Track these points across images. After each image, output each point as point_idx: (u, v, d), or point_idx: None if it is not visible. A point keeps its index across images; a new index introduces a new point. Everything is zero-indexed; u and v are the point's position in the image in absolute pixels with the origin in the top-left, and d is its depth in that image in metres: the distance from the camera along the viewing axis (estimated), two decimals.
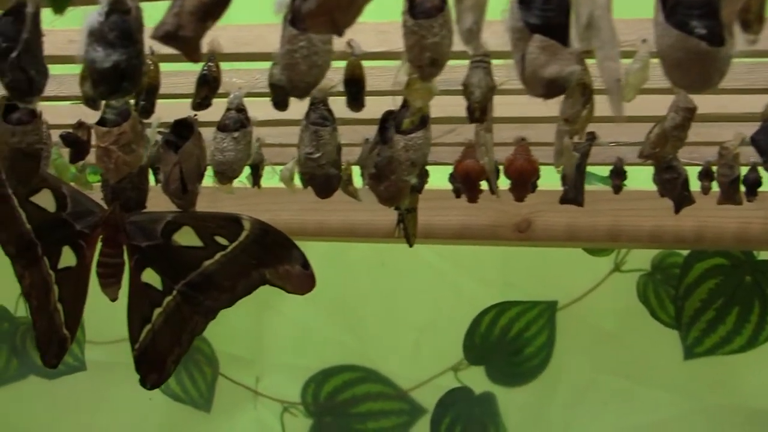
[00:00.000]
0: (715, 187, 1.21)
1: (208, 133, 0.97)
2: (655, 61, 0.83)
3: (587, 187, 1.20)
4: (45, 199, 1.06)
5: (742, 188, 1.20)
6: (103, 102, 0.85)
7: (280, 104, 0.91)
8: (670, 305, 1.88)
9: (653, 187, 1.19)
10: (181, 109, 0.96)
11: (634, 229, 1.51)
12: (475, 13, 0.57)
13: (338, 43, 0.69)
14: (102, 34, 0.64)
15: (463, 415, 1.95)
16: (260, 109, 0.98)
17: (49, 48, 0.70)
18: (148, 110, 0.91)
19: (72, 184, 1.14)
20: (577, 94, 0.75)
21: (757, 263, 1.84)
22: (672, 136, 0.96)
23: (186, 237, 1.04)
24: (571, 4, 0.58)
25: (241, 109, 0.95)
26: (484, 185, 1.17)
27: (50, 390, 2.12)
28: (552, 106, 0.71)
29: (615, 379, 1.89)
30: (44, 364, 1.11)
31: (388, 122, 0.92)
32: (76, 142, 1.03)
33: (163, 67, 0.92)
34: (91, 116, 0.90)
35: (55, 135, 1.09)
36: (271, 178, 1.30)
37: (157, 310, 1.06)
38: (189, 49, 0.55)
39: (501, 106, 0.88)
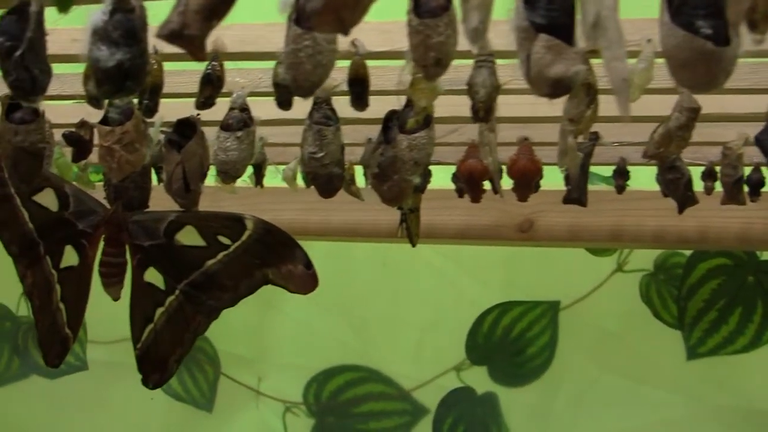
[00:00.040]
0: (718, 187, 1.21)
1: (211, 133, 0.97)
2: (659, 61, 0.83)
3: (590, 187, 1.20)
4: (47, 199, 1.06)
5: (746, 188, 1.20)
6: (106, 101, 0.85)
7: (284, 103, 0.91)
8: (672, 305, 1.87)
9: (656, 187, 1.19)
10: (185, 108, 0.96)
11: (636, 230, 1.51)
12: (482, 12, 0.57)
13: (342, 43, 0.68)
14: (106, 32, 0.63)
15: (466, 415, 1.95)
16: (262, 108, 0.98)
17: (52, 47, 0.70)
18: (151, 109, 0.91)
19: (74, 183, 1.14)
20: (581, 94, 0.75)
21: (759, 263, 1.84)
22: (676, 136, 0.96)
23: (189, 236, 1.04)
24: (576, 4, 0.58)
25: (244, 109, 0.95)
26: (486, 185, 1.17)
27: (52, 389, 2.12)
28: (555, 106, 0.71)
29: (617, 379, 1.89)
30: (46, 364, 1.11)
31: (391, 122, 0.92)
32: (78, 141, 1.03)
33: (167, 66, 0.92)
34: (94, 115, 0.90)
35: (57, 134, 1.08)
36: (273, 178, 1.30)
37: (160, 310, 1.06)
38: (194, 48, 0.55)
39: (503, 105, 0.88)
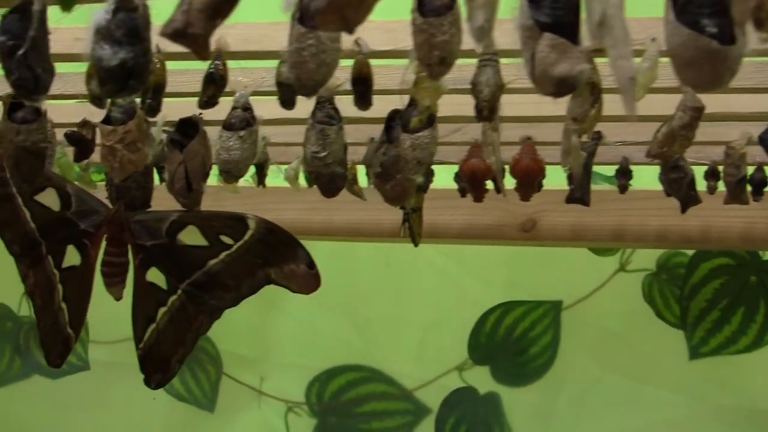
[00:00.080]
0: (721, 186, 1.21)
1: (214, 132, 0.96)
2: (664, 60, 0.83)
3: (593, 187, 1.20)
4: (49, 198, 1.06)
5: (749, 188, 1.20)
6: (109, 100, 0.85)
7: (288, 103, 0.90)
8: (675, 305, 1.87)
9: (659, 187, 1.19)
10: (188, 107, 0.96)
11: (639, 229, 1.51)
12: (487, 11, 0.57)
13: (345, 42, 0.68)
14: (109, 31, 0.63)
15: (468, 415, 1.95)
16: (265, 107, 0.98)
17: (55, 46, 0.70)
18: (154, 109, 0.91)
19: (76, 183, 1.14)
20: (585, 93, 0.75)
21: (762, 263, 1.84)
22: (680, 135, 0.96)
23: (191, 236, 1.04)
24: (581, 3, 0.58)
25: (247, 108, 0.95)
26: (489, 184, 1.17)
27: (54, 389, 2.12)
28: (559, 105, 0.71)
29: (620, 379, 1.89)
30: (48, 364, 1.11)
31: (394, 121, 0.91)
32: (80, 140, 1.02)
33: (170, 65, 0.92)
34: (96, 115, 0.90)
35: (59, 133, 1.08)
36: (275, 178, 1.30)
37: (162, 310, 1.06)
38: (198, 47, 0.55)
39: (507, 104, 0.87)
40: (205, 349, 2.02)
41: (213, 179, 1.00)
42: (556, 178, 1.19)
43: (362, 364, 1.99)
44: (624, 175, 1.27)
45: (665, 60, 0.83)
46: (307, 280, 1.03)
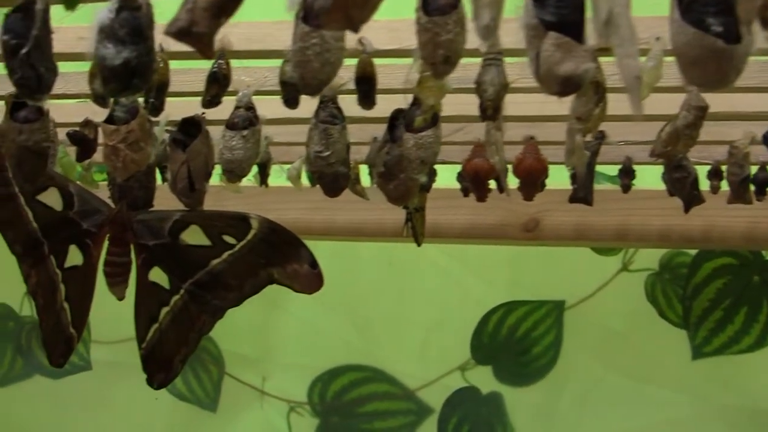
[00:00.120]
0: (724, 186, 1.21)
1: (216, 132, 0.96)
2: (668, 59, 0.83)
3: (595, 187, 1.20)
4: (52, 198, 1.05)
5: (752, 187, 1.19)
6: (112, 99, 0.85)
7: (291, 102, 0.90)
8: (678, 305, 1.87)
9: (662, 186, 1.19)
10: (191, 107, 0.96)
11: (642, 229, 1.51)
12: (493, 10, 0.57)
13: (349, 41, 0.68)
14: (112, 30, 0.63)
15: (471, 414, 1.95)
16: (267, 107, 0.98)
17: (58, 45, 0.69)
18: (158, 108, 0.91)
19: (78, 182, 1.13)
20: (590, 92, 0.75)
21: (765, 263, 1.84)
22: (684, 134, 0.95)
23: (194, 236, 1.04)
24: (586, 1, 0.58)
25: (250, 107, 0.95)
26: (492, 184, 1.16)
27: (55, 390, 2.12)
28: (562, 105, 0.71)
29: (623, 378, 1.89)
30: (51, 364, 1.11)
31: (397, 120, 0.91)
32: (82, 140, 1.02)
33: (172, 64, 0.92)
34: (99, 114, 0.90)
35: (61, 133, 1.08)
36: (278, 177, 1.30)
37: (165, 309, 1.06)
38: (202, 46, 0.54)
39: (511, 104, 0.87)
40: (207, 349, 2.02)
41: (215, 179, 1.00)
42: (558, 178, 1.18)
43: (365, 363, 1.99)
44: (627, 174, 1.27)
45: (669, 59, 0.83)
46: (310, 280, 1.03)
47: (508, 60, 0.81)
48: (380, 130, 0.94)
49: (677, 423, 1.87)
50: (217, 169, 0.98)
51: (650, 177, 1.29)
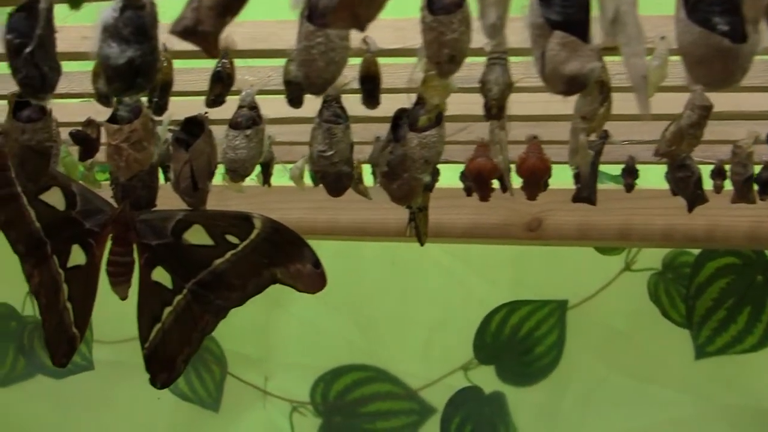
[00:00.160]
0: (727, 185, 1.21)
1: (220, 131, 0.96)
2: (674, 58, 0.83)
3: (599, 186, 1.20)
4: (54, 197, 1.06)
5: (755, 187, 1.19)
6: (115, 99, 0.84)
7: (295, 101, 0.90)
8: (681, 304, 1.87)
9: (665, 186, 1.19)
10: (194, 106, 0.96)
11: (645, 228, 1.51)
12: (500, 8, 0.57)
13: (354, 40, 0.68)
14: (116, 30, 0.63)
15: (473, 414, 1.95)
16: (270, 106, 0.98)
17: (61, 44, 0.69)
18: (161, 107, 0.90)
19: (81, 182, 1.13)
20: (595, 92, 0.75)
21: None
22: (688, 134, 0.95)
23: (196, 235, 1.04)
24: (592, 0, 0.58)
25: (253, 107, 0.95)
26: (495, 184, 1.16)
27: (58, 389, 2.12)
28: (566, 105, 0.71)
29: (625, 378, 1.88)
30: (53, 363, 1.11)
31: (401, 120, 0.91)
32: (85, 139, 1.02)
33: (176, 63, 0.92)
34: (101, 114, 0.90)
35: (64, 132, 1.08)
36: (281, 177, 1.29)
37: (168, 309, 1.06)
38: (207, 45, 0.54)
39: (515, 103, 0.87)
40: (209, 348, 2.02)
41: (218, 178, 1.00)
42: (561, 177, 1.18)
43: (367, 363, 1.98)
44: (630, 174, 1.27)
45: (674, 58, 0.83)
46: (313, 280, 1.03)
47: (512, 59, 0.81)
48: (384, 130, 0.94)
49: (680, 423, 1.86)
50: (220, 169, 0.98)
51: (653, 176, 1.29)
